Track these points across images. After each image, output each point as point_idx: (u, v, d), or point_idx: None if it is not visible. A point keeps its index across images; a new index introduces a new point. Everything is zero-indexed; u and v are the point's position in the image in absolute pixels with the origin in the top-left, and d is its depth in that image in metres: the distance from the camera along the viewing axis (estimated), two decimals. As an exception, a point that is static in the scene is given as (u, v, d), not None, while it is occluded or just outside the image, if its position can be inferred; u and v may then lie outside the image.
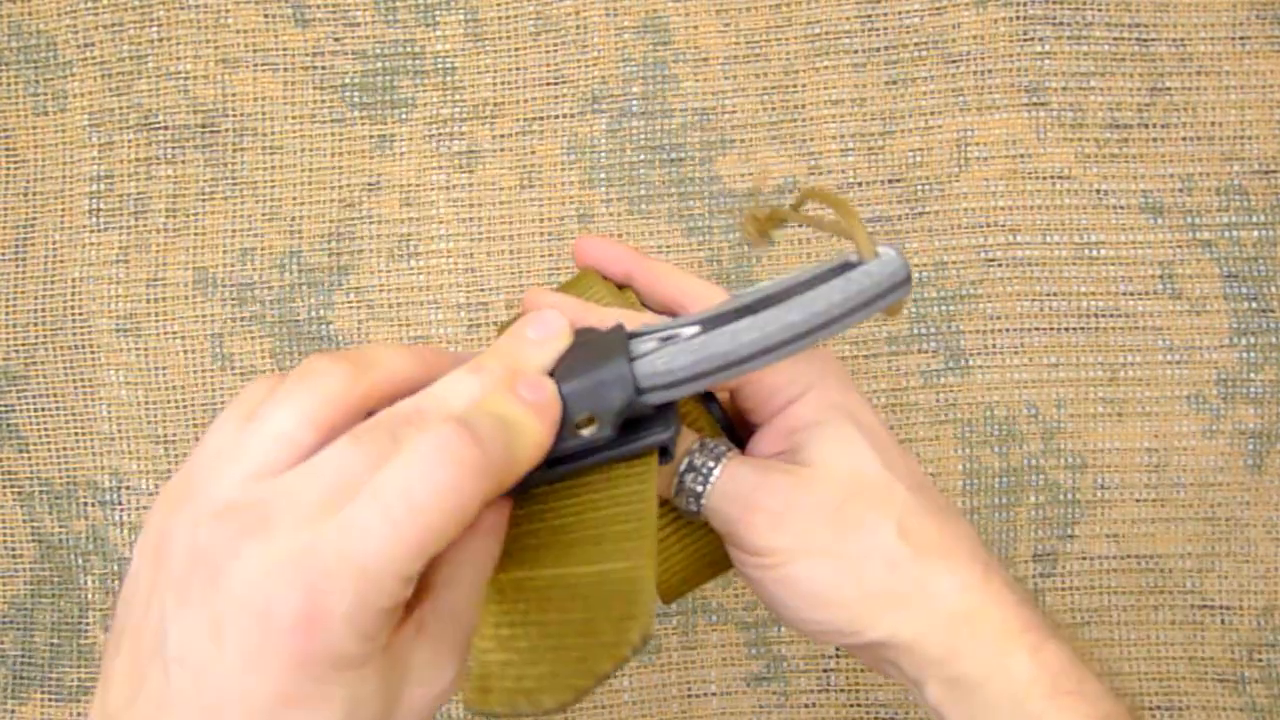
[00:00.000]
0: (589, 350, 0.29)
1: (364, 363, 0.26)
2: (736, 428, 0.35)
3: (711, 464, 0.32)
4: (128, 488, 0.54)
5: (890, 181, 0.53)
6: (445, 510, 0.23)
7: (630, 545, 0.27)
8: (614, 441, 0.29)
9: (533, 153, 0.54)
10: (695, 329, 0.29)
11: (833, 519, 0.31)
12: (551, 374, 0.29)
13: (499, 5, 0.54)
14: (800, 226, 0.53)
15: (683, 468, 0.32)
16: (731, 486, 0.31)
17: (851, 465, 0.32)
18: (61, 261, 0.55)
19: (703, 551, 0.35)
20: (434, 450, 0.23)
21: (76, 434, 0.54)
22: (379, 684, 0.24)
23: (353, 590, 0.22)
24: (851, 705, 0.52)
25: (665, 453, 0.29)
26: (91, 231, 0.54)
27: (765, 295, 0.29)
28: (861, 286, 0.29)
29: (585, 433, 0.28)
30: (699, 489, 0.32)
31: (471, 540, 0.27)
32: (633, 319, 0.31)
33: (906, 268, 0.29)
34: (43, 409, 0.54)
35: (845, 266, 0.29)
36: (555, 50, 0.54)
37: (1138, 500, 0.52)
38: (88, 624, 0.54)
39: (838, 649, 0.52)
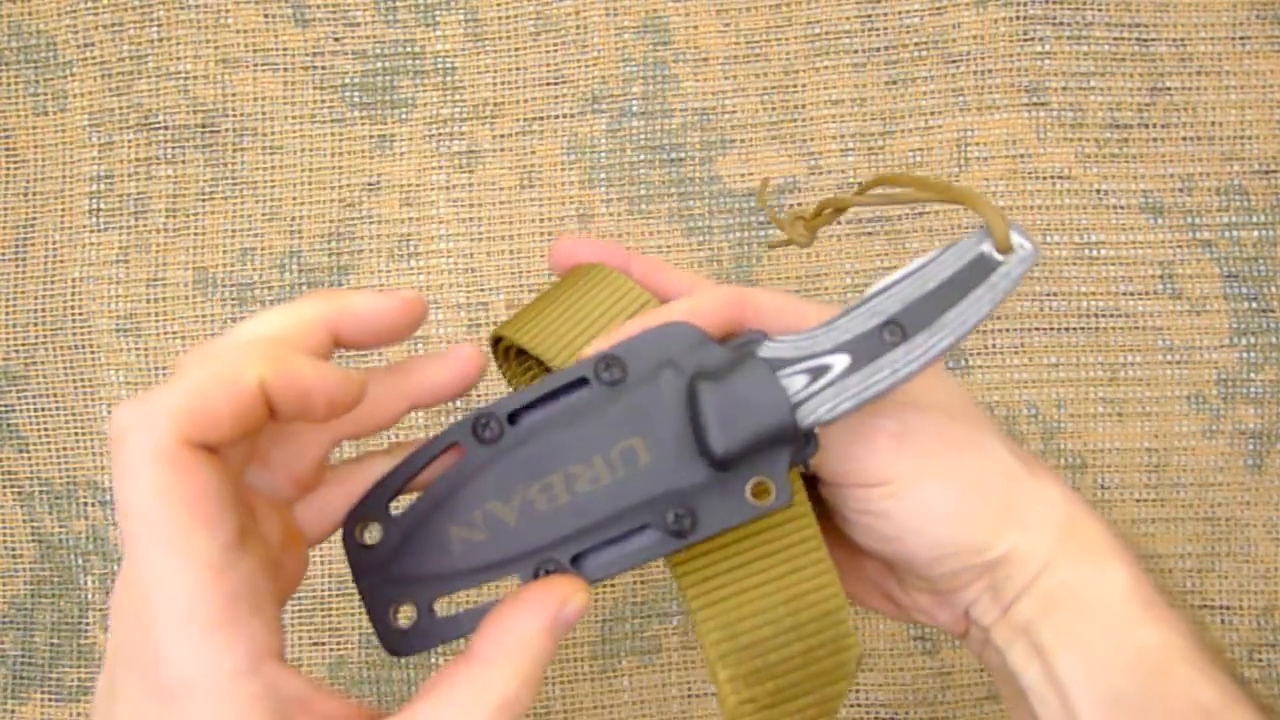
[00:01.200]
0: (734, 391, 0.27)
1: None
2: None
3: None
4: (128, 488, 0.53)
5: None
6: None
7: (810, 567, 0.29)
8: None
9: (533, 153, 0.54)
10: (845, 359, 0.28)
11: (949, 440, 0.31)
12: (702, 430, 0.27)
13: (499, 5, 0.54)
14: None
15: None
16: (835, 435, 0.31)
17: (948, 394, 0.32)
18: (61, 261, 0.55)
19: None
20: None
21: (77, 434, 0.54)
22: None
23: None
24: (851, 705, 0.52)
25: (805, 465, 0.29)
26: (91, 231, 0.54)
27: (908, 304, 0.28)
28: (1005, 290, 0.28)
29: (764, 503, 0.27)
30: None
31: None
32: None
33: (1037, 251, 0.28)
34: (43, 409, 0.54)
35: (982, 263, 0.28)
36: (555, 50, 0.54)
37: (1138, 500, 0.52)
38: (88, 624, 0.54)
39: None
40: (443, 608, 0.28)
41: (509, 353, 0.35)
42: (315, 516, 0.28)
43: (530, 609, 0.26)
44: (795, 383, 0.28)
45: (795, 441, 0.28)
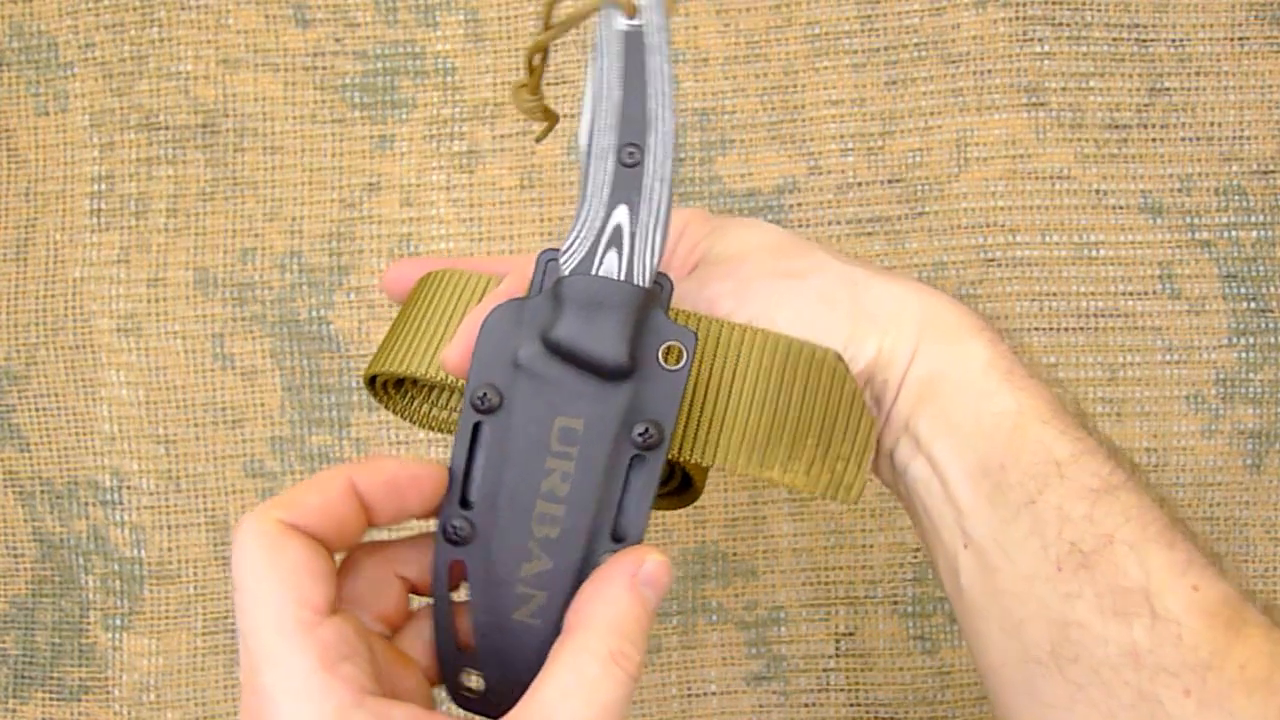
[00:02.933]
0: (578, 316, 0.28)
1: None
2: None
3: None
4: (129, 487, 0.54)
5: (890, 182, 0.53)
6: None
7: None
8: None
9: (533, 153, 0.54)
10: (624, 210, 0.28)
11: (782, 272, 0.32)
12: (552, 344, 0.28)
13: (499, 5, 0.54)
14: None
15: None
16: (682, 297, 0.32)
17: (765, 235, 0.34)
18: (62, 262, 0.55)
19: None
20: None
21: (77, 434, 0.54)
22: None
23: None
24: (851, 705, 0.52)
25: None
26: (92, 232, 0.54)
27: (617, 122, 0.29)
28: (659, 38, 0.29)
29: (684, 362, 0.28)
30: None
31: None
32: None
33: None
34: (44, 409, 0.55)
35: (634, 37, 0.29)
36: (555, 50, 0.54)
37: (1137, 500, 0.52)
38: (89, 624, 0.54)
39: (837, 649, 0.52)
40: None
41: (386, 387, 0.35)
42: (421, 649, 0.30)
43: (607, 576, 0.27)
44: (610, 262, 0.28)
45: (653, 300, 0.28)
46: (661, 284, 0.29)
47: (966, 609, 0.31)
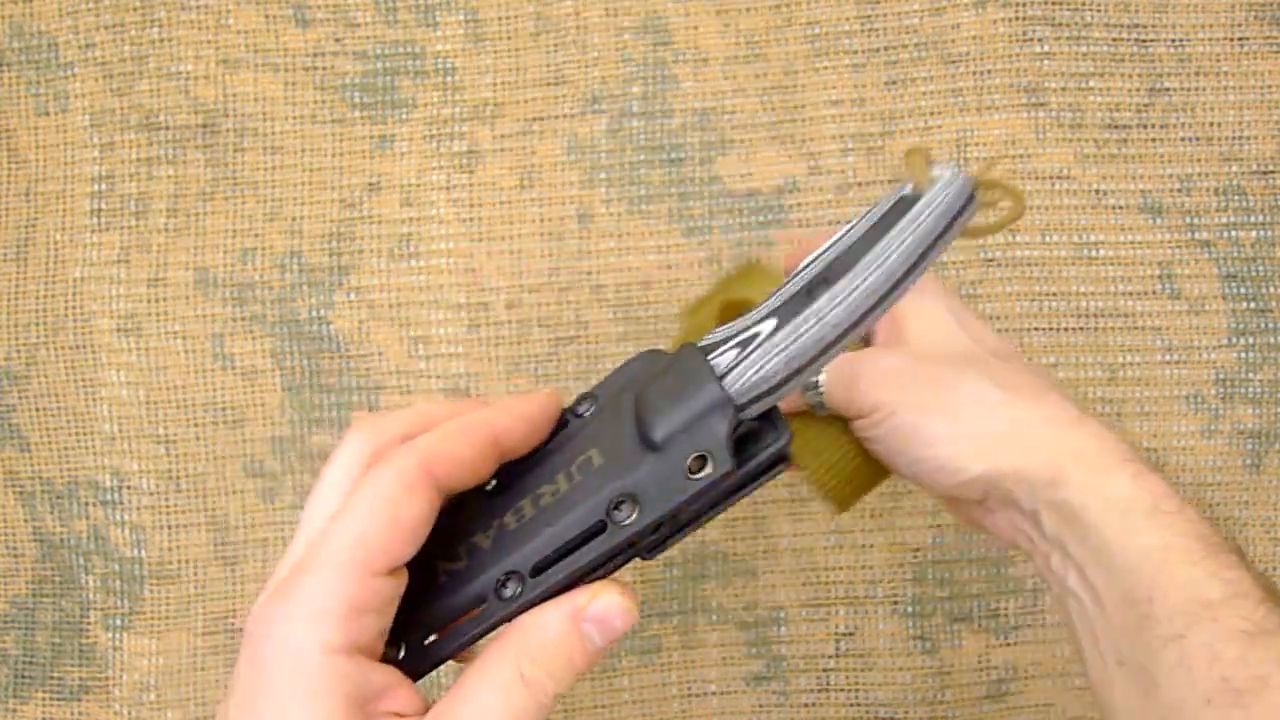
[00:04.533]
0: (667, 382, 0.28)
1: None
2: None
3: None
4: (129, 487, 0.54)
5: (890, 182, 0.53)
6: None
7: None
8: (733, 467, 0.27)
9: (533, 153, 0.54)
10: (771, 323, 0.28)
11: (927, 376, 0.35)
12: (640, 419, 0.28)
13: (499, 5, 0.54)
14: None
15: None
16: (838, 372, 0.36)
17: (941, 336, 0.36)
18: (63, 261, 0.55)
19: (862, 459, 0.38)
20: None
21: (78, 434, 0.54)
22: None
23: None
24: (851, 705, 0.52)
25: (784, 459, 0.28)
26: (93, 231, 0.54)
27: (831, 261, 0.28)
28: (927, 219, 0.27)
29: (703, 475, 0.27)
30: (816, 380, 0.36)
31: None
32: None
33: (968, 182, 0.28)
34: (44, 409, 0.55)
35: (903, 203, 0.28)
36: (555, 50, 0.54)
37: (1136, 500, 0.52)
38: (89, 624, 0.54)
39: (837, 649, 0.52)
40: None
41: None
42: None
43: (556, 601, 0.27)
44: (725, 358, 0.28)
45: (728, 411, 0.27)
46: (776, 423, 0.28)
47: (1116, 713, 0.32)
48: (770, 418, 0.28)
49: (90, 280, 0.54)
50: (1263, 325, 0.52)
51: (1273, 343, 0.52)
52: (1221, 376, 0.52)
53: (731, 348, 0.28)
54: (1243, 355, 0.52)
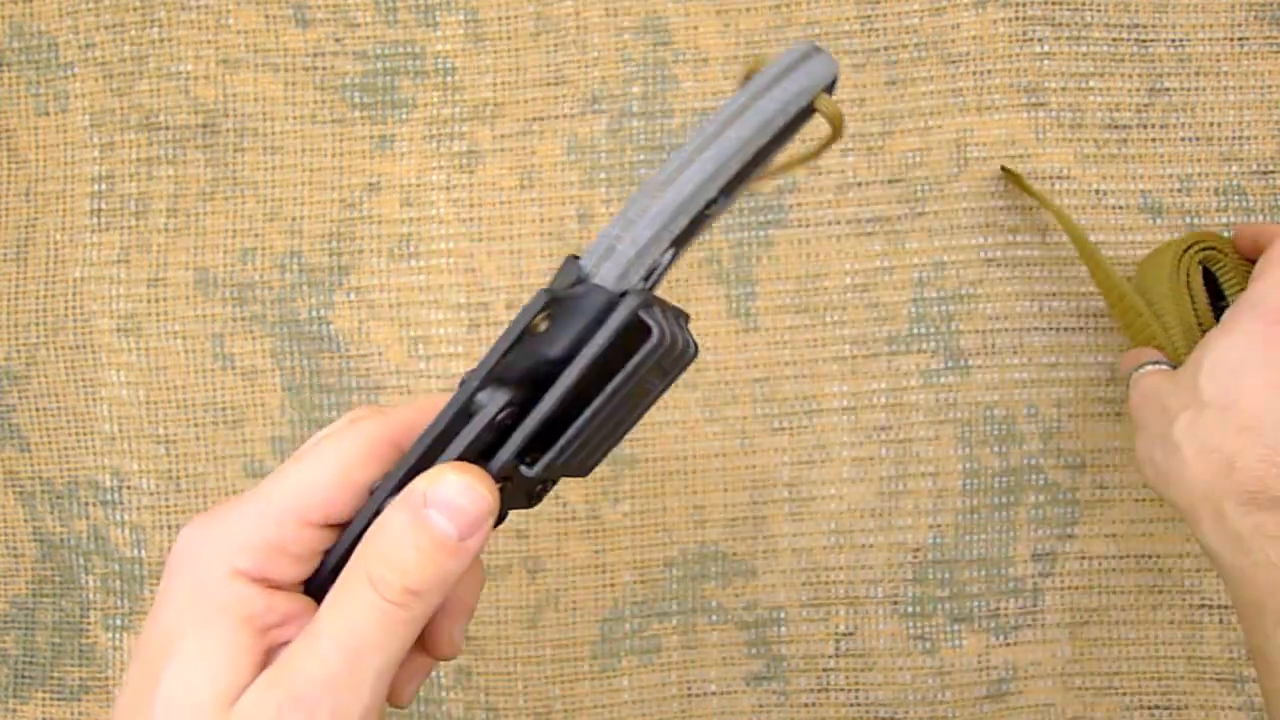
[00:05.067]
0: (565, 317, 0.27)
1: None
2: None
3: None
4: (129, 487, 0.54)
5: (890, 181, 0.53)
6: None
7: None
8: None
9: (533, 153, 0.54)
10: (618, 228, 0.28)
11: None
12: (556, 357, 0.27)
13: (499, 5, 0.54)
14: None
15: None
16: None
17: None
18: (63, 262, 0.55)
19: None
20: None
21: (78, 434, 0.54)
22: None
23: None
24: (851, 705, 0.52)
25: (658, 349, 0.28)
26: (92, 232, 0.54)
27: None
28: (769, 76, 0.28)
29: (543, 328, 0.27)
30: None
31: None
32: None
33: (812, 44, 0.28)
34: (44, 409, 0.55)
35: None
36: (555, 50, 0.54)
37: (1137, 500, 0.52)
38: (89, 624, 0.54)
39: (837, 649, 0.52)
40: None
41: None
42: None
43: (399, 497, 0.27)
44: (590, 260, 0.28)
45: (571, 271, 0.28)
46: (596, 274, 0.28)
47: None
48: (647, 320, 0.28)
49: (90, 280, 0.54)
50: (1263, 325, 0.52)
51: (1273, 343, 0.52)
52: (1222, 376, 0.52)
53: (595, 256, 0.28)
54: (1243, 355, 0.52)
